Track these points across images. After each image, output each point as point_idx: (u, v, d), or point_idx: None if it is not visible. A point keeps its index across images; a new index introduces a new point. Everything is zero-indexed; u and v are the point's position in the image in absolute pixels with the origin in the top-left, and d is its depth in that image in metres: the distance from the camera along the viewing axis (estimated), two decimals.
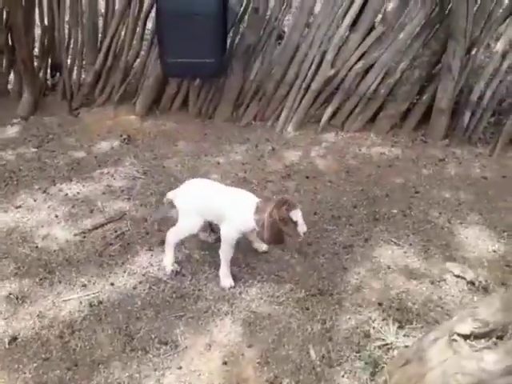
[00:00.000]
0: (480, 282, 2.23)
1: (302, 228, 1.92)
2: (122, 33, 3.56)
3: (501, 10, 3.23)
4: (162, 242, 2.43)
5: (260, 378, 1.76)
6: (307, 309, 2.07)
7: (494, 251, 2.44)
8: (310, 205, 2.79)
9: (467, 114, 3.38)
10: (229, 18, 3.30)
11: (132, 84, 3.72)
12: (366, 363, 1.81)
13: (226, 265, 2.15)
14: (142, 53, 3.68)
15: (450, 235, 2.55)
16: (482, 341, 1.32)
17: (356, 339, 1.93)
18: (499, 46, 3.28)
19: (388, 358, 1.83)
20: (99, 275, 2.23)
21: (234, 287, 2.16)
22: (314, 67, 3.38)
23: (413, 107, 3.55)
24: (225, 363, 1.82)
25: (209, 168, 3.13)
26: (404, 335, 1.93)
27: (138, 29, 3.51)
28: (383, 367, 1.76)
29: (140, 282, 2.19)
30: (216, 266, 2.28)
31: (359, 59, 3.37)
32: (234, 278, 2.19)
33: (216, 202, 2.12)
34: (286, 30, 3.82)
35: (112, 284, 2.18)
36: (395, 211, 2.74)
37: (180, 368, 1.79)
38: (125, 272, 2.25)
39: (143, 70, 3.62)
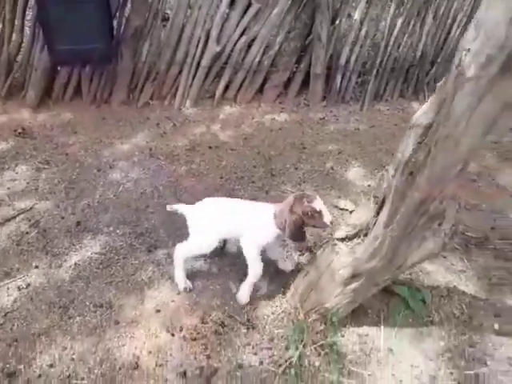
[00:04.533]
0: None
1: (328, 217, 1.83)
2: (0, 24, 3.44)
3: None
4: (79, 223, 2.56)
5: (191, 316, 2.03)
6: (225, 255, 2.37)
7: (369, 186, 2.97)
8: (216, 171, 3.08)
9: (338, 77, 3.91)
10: (112, 3, 3.37)
11: (19, 77, 3.62)
12: (277, 287, 2.17)
13: (252, 282, 2.04)
14: (25, 44, 3.58)
15: (334, 179, 3.03)
16: (354, 240, 1.75)
17: (268, 270, 2.28)
18: (357, 16, 3.83)
19: (294, 278, 2.21)
20: (21, 262, 2.29)
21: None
22: (201, 45, 3.62)
23: (293, 76, 3.99)
24: (158, 311, 2.05)
25: (113, 150, 3.24)
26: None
27: (16, 20, 3.41)
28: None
29: (65, 260, 2.31)
30: (136, 235, 2.48)
31: (241, 35, 3.69)
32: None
33: (234, 217, 2.04)
34: (169, 12, 3.98)
35: (36, 267, 2.26)
36: (288, 166, 3.15)
37: (118, 323, 1.99)
38: (47, 254, 2.34)
39: (29, 61, 3.54)
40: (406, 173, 1.47)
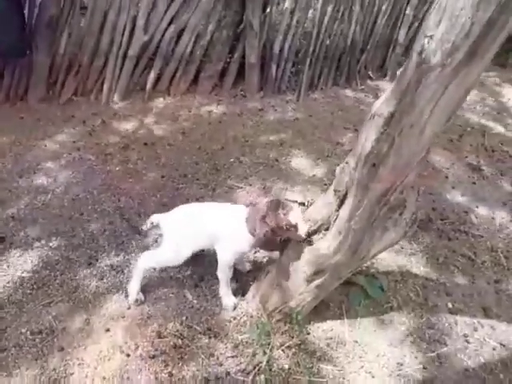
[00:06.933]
0: (308, 201, 2.70)
1: (303, 229, 1.63)
2: None
3: None
4: (3, 239, 2.26)
5: (146, 331, 1.86)
6: None
7: (314, 175, 2.96)
8: (155, 169, 2.88)
9: (273, 67, 3.85)
10: None
11: None
12: (236, 289, 2.06)
13: (225, 285, 1.95)
14: None
15: (279, 170, 2.97)
16: (315, 236, 1.69)
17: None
18: (287, 4, 3.78)
19: (252, 280, 2.12)
20: None
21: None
22: (127, 34, 3.35)
23: (228, 66, 3.86)
24: (108, 330, 1.86)
25: (36, 153, 2.91)
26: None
27: None
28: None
29: None
30: (73, 247, 2.24)
31: (170, 23, 3.48)
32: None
33: (209, 227, 1.88)
34: None
35: None
36: (232, 160, 3.04)
37: (62, 349, 1.77)
38: None
39: None
40: (369, 165, 1.43)
